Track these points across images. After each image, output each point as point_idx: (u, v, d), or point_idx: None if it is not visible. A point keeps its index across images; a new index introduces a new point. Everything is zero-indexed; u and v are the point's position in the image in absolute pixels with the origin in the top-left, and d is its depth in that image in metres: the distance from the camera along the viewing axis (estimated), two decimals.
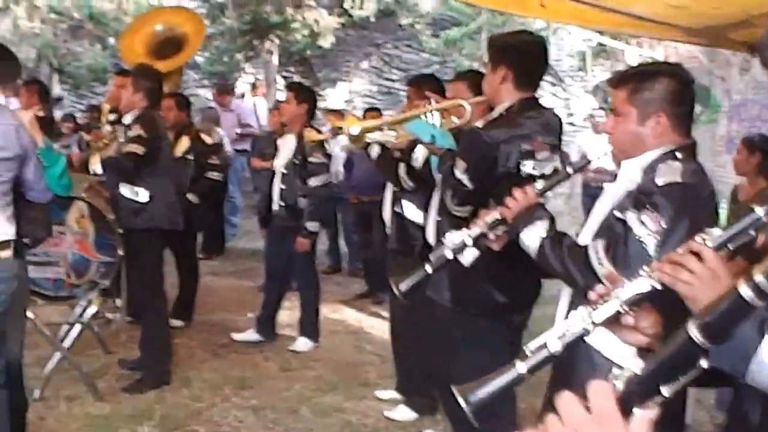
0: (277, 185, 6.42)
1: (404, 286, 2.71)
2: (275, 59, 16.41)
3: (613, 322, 1.63)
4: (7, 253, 3.65)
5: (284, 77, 16.96)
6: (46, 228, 4.24)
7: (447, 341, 3.74)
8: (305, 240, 6.26)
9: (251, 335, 6.66)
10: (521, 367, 1.53)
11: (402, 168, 4.73)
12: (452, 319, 3.63)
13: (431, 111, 4.00)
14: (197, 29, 7.70)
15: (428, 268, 2.70)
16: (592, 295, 1.68)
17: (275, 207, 6.45)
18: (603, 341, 2.12)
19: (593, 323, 1.59)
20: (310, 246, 6.43)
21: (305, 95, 6.43)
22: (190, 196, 6.73)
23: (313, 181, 6.19)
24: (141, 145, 5.28)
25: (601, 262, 2.43)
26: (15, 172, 3.68)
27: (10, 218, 3.69)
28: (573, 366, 2.46)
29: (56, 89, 15.31)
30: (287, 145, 6.41)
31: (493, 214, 2.73)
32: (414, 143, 4.46)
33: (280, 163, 6.44)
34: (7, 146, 3.61)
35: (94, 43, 16.20)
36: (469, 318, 3.52)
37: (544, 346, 1.56)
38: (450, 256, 2.70)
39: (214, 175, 7.18)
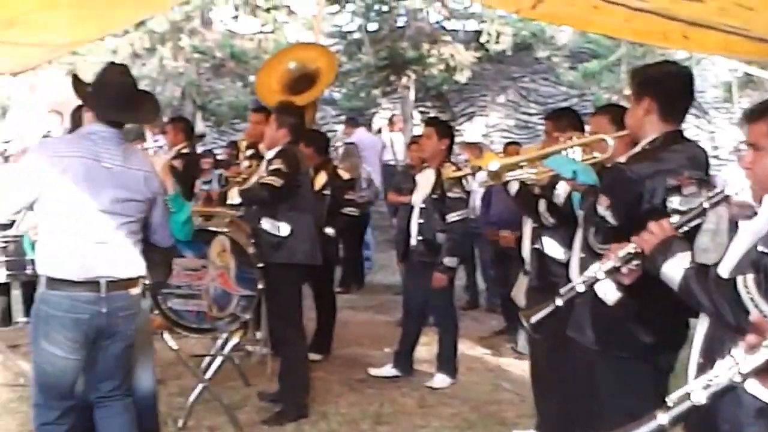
0: (416, 220, 6.41)
1: (534, 319, 2.65)
2: (412, 94, 16.58)
3: (763, 372, 1.53)
4: (137, 290, 3.88)
5: (421, 112, 17.09)
6: (166, 271, 4.57)
7: (589, 382, 3.61)
8: (443, 275, 6.22)
9: (388, 370, 6.64)
10: (663, 418, 1.46)
11: (542, 204, 4.64)
12: (595, 360, 3.50)
13: (572, 146, 3.91)
14: (329, 64, 7.79)
15: (558, 301, 2.63)
16: (740, 345, 1.58)
17: (413, 242, 6.44)
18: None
19: (741, 373, 1.50)
20: (448, 282, 6.37)
21: (446, 131, 6.44)
22: (328, 231, 6.81)
23: (452, 216, 6.16)
24: (279, 177, 5.37)
25: (753, 298, 2.30)
26: (145, 214, 3.88)
27: (139, 256, 3.90)
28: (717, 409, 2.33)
29: (199, 126, 15.84)
30: (426, 180, 6.41)
31: (627, 248, 2.64)
32: (555, 179, 4.36)
33: (418, 198, 6.43)
34: (138, 190, 3.80)
35: (236, 81, 16.71)
36: (613, 359, 3.39)
37: (687, 396, 1.49)
38: (581, 289, 2.64)
39: (350, 210, 7.25)
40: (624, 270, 2.65)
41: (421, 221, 6.37)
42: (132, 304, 3.85)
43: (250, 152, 6.55)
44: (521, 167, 4.32)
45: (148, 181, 3.86)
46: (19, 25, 5.56)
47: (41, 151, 3.77)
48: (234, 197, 5.61)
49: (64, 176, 3.59)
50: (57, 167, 3.59)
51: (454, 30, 17.69)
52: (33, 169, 3.63)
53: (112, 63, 4.16)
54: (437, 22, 17.55)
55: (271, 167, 5.43)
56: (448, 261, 6.20)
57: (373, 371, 6.66)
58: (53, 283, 3.65)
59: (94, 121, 3.80)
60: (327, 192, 6.94)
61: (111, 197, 3.69)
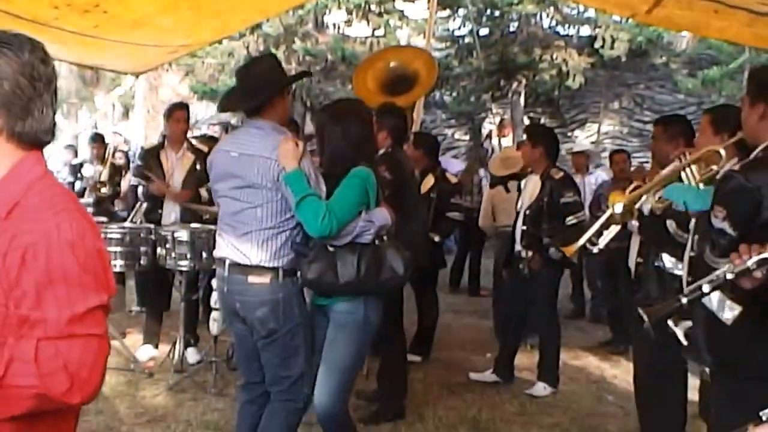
0: (519, 226, 6.35)
1: (655, 315, 2.57)
2: (522, 99, 16.41)
3: None
4: (259, 279, 3.83)
5: (530, 118, 16.91)
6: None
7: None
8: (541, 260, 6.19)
9: (489, 376, 6.58)
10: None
11: (672, 225, 4.50)
12: (711, 380, 3.36)
13: (686, 166, 3.85)
14: (429, 66, 7.75)
15: (683, 300, 2.54)
16: None
17: (517, 248, 6.38)
18: None
19: None
20: (552, 291, 6.32)
21: (539, 138, 6.39)
22: (432, 235, 6.79)
23: (570, 220, 6.09)
24: (385, 188, 5.35)
25: None
26: (271, 202, 3.82)
27: (271, 246, 3.83)
28: None
29: (309, 127, 16.05)
30: (531, 187, 6.34)
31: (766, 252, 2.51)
32: None
33: (523, 205, 6.37)
34: (253, 176, 3.83)
35: (346, 83, 16.80)
36: (729, 379, 3.23)
37: None
38: (706, 289, 2.55)
39: (455, 215, 7.20)
40: (757, 274, 2.53)
41: (524, 227, 6.30)
42: (251, 291, 3.84)
43: None
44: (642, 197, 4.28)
45: (264, 167, 3.78)
46: (143, 27, 5.79)
47: None
48: None
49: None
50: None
51: (568, 35, 17.43)
52: None
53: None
54: (550, 27, 17.34)
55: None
56: (553, 252, 6.11)
57: (474, 376, 6.61)
58: None
59: None
60: (434, 195, 6.92)
61: (231, 184, 3.88)
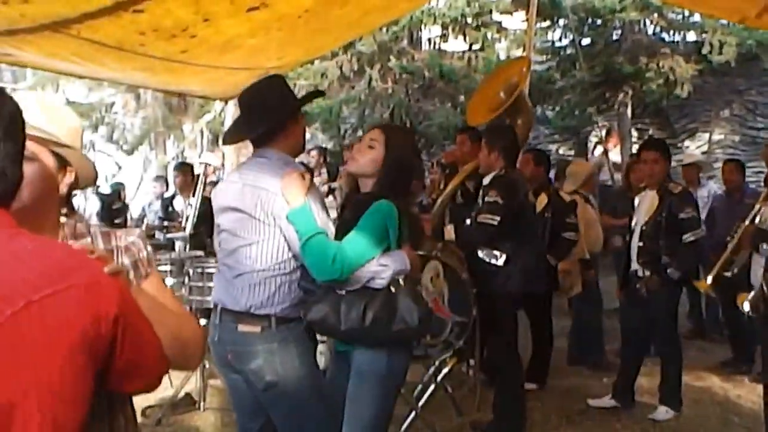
0: (635, 243, 6.14)
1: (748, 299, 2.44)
2: (629, 111, 16.01)
3: None
4: (247, 328, 3.45)
5: (638, 129, 16.48)
6: None
7: None
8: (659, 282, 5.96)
9: (608, 401, 6.37)
10: None
11: None
12: None
13: None
14: (521, 67, 7.64)
15: None
16: None
17: (633, 266, 6.17)
18: None
19: None
20: (672, 310, 6.09)
21: (667, 152, 6.17)
22: (549, 258, 6.65)
23: (688, 237, 5.87)
24: (495, 214, 5.24)
25: None
26: (267, 238, 3.48)
27: (261, 292, 3.47)
28: None
29: None
30: (647, 202, 6.12)
31: None
32: None
33: (639, 221, 6.16)
34: (252, 209, 3.48)
35: (445, 101, 16.59)
36: None
37: None
38: None
39: (571, 235, 6.97)
40: None
41: (641, 244, 6.09)
42: (242, 341, 3.47)
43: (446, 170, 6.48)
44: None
45: (266, 200, 3.43)
46: (232, 51, 5.77)
47: None
48: (450, 235, 5.54)
49: None
50: None
51: (673, 41, 16.93)
52: None
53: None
54: (654, 34, 16.87)
55: (488, 199, 5.31)
56: (672, 272, 5.90)
57: (592, 402, 6.41)
58: None
59: None
60: (548, 215, 6.76)
61: (232, 217, 3.56)
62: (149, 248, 2.14)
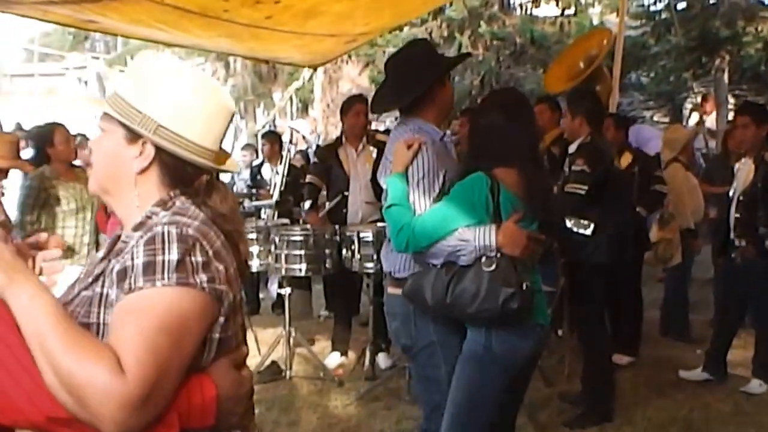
0: (733, 214, 5.96)
1: None
2: (726, 77, 15.48)
3: None
4: (397, 291, 3.56)
5: (735, 96, 15.94)
6: None
7: None
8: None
9: (699, 374, 6.22)
10: None
11: None
12: None
13: None
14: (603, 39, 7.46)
15: None
16: None
17: (731, 236, 6.00)
18: None
19: None
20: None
21: (764, 116, 5.92)
22: (639, 210, 6.54)
23: None
24: (583, 183, 5.14)
25: None
26: None
27: (401, 255, 3.57)
28: None
29: None
30: (745, 171, 5.93)
31: None
32: None
33: (737, 191, 5.98)
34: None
35: (537, 67, 16.25)
36: None
37: None
38: None
39: (660, 187, 6.82)
40: None
41: (738, 215, 5.91)
42: (389, 302, 3.70)
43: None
44: None
45: (390, 169, 3.53)
46: (317, 17, 5.72)
47: None
48: None
49: None
50: None
51: None
52: None
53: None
54: None
55: (575, 168, 5.20)
56: None
57: (684, 374, 6.27)
58: None
59: None
60: (635, 170, 6.61)
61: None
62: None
